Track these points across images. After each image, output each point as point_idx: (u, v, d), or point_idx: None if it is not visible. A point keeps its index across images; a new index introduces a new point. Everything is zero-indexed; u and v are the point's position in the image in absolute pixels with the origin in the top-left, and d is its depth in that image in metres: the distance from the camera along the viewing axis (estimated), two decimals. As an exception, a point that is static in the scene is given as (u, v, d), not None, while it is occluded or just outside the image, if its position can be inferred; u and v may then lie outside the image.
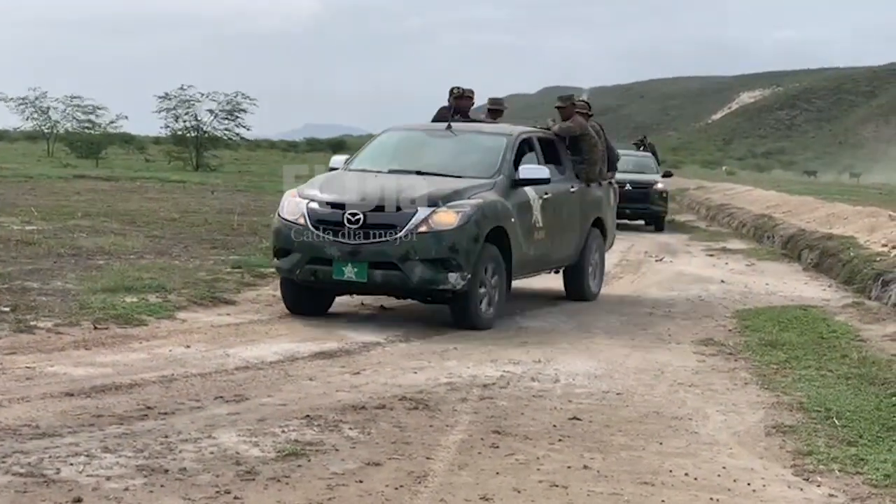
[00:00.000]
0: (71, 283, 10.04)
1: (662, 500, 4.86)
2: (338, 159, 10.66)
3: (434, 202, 8.98)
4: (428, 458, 5.29)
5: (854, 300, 12.00)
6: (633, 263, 15.88)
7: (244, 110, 43.18)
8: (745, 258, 17.22)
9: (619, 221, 22.61)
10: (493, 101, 12.42)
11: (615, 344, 8.90)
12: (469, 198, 9.16)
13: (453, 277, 8.82)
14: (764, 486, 5.17)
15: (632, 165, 24.53)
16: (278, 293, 9.79)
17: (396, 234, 8.81)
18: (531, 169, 10.02)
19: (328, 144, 76.80)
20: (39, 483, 4.60)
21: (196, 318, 8.94)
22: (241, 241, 14.53)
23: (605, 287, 12.99)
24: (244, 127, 43.61)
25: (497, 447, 5.57)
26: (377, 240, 8.85)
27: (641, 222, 23.74)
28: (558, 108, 11.69)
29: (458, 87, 11.92)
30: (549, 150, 11.00)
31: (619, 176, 22.99)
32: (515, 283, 10.79)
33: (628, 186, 22.51)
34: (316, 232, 9.02)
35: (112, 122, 49.16)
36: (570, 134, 11.39)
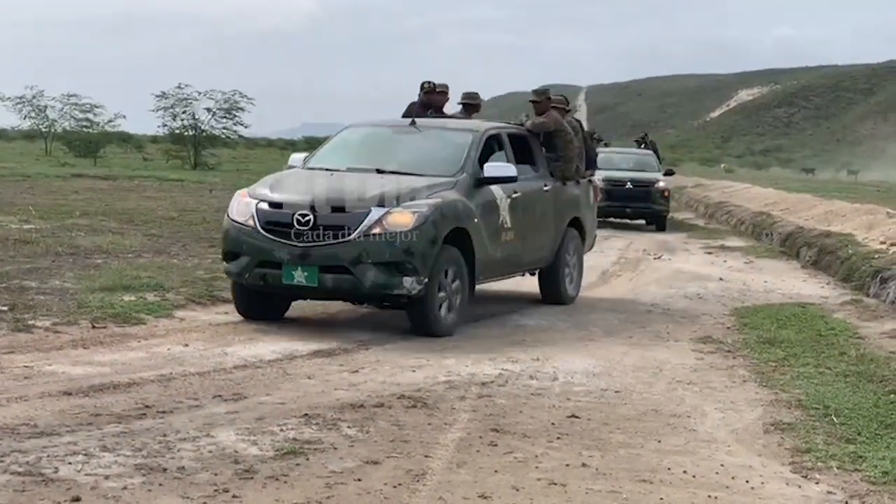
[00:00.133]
0: (69, 282, 10.04)
1: (661, 498, 4.86)
2: (297, 157, 10.21)
3: (388, 202, 8.53)
4: (426, 457, 5.29)
5: (852, 297, 12.01)
6: (631, 261, 15.88)
7: (242, 109, 43.18)
8: (743, 256, 17.23)
9: (619, 221, 22.68)
10: (466, 95, 11.79)
11: (613, 342, 8.91)
12: (427, 197, 8.69)
13: (408, 282, 8.36)
14: (762, 483, 5.17)
15: (633, 163, 24.37)
16: None
17: (348, 236, 8.36)
18: (496, 167, 9.53)
19: (327, 143, 76.59)
20: (38, 482, 4.60)
21: (194, 317, 8.93)
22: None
23: (603, 285, 13.02)
24: (242, 125, 43.62)
25: (495, 445, 5.57)
26: (328, 242, 8.39)
27: (642, 222, 23.45)
28: (532, 102, 11.15)
29: (429, 82, 11.61)
30: (521, 147, 10.51)
31: (619, 174, 23.21)
32: (513, 284, 10.82)
33: (629, 185, 22.50)
34: (265, 234, 8.57)
35: (110, 121, 49.10)
36: (544, 130, 10.87)
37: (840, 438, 5.92)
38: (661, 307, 11.09)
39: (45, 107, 50.22)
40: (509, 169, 9.57)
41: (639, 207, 22.75)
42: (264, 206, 8.72)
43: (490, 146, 9.97)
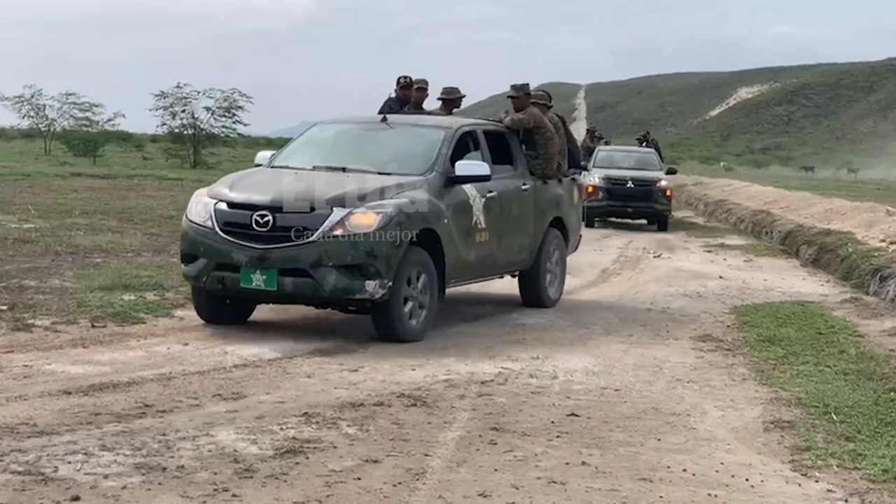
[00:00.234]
0: (68, 282, 10.04)
1: (660, 497, 4.86)
2: (263, 155, 9.83)
3: (351, 202, 8.16)
4: (426, 455, 5.29)
5: (852, 295, 12.01)
6: (631, 260, 15.87)
7: (241, 107, 43.20)
8: (743, 254, 17.22)
9: (621, 221, 22.52)
10: (445, 90, 11.28)
11: (613, 340, 8.90)
12: (392, 197, 8.33)
13: (371, 286, 7.98)
14: (762, 481, 5.17)
15: (634, 162, 23.84)
16: None
17: (309, 237, 7.99)
18: (468, 165, 9.12)
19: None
20: (37, 481, 4.60)
21: (194, 316, 8.92)
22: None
23: (603, 284, 13.02)
24: (241, 124, 43.63)
25: (495, 444, 5.57)
26: (287, 244, 8.01)
27: (644, 221, 22.86)
28: (511, 98, 10.67)
29: (405, 77, 11.23)
30: (499, 145, 10.11)
31: (620, 173, 22.89)
32: (513, 284, 10.79)
33: (630, 184, 22.00)
34: (223, 235, 8.20)
35: (109, 120, 49.14)
36: (523, 126, 10.39)
37: (840, 436, 5.92)
38: (661, 305, 11.09)
39: (44, 106, 50.25)
40: (482, 167, 9.19)
41: (640, 207, 22.19)
42: (223, 206, 8.35)
43: (464, 144, 9.64)
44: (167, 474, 4.78)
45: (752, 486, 5.09)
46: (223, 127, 43.59)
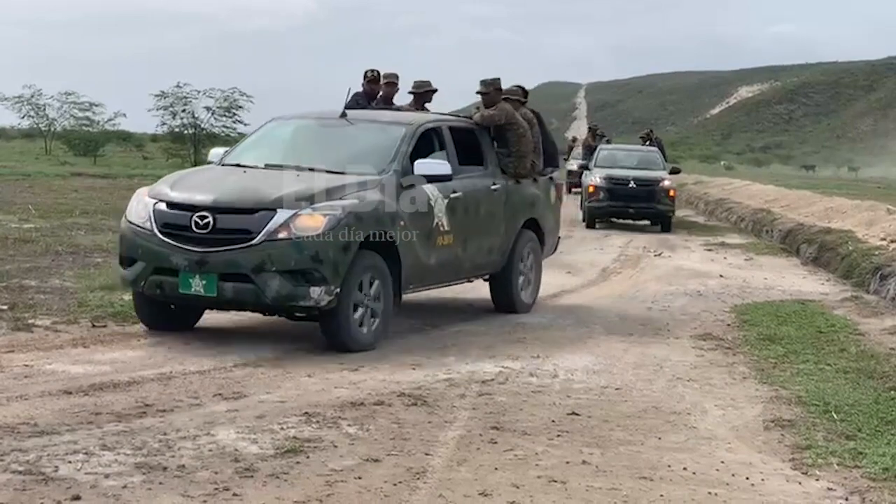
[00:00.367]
0: (69, 281, 10.04)
1: (661, 495, 4.86)
2: (216, 152, 9.38)
3: (297, 203, 7.67)
4: (427, 455, 5.29)
5: (852, 294, 12.01)
6: (631, 258, 15.87)
7: (241, 107, 43.27)
8: (743, 253, 17.23)
9: (622, 221, 22.33)
10: (416, 84, 10.71)
11: (613, 339, 8.90)
12: (342, 198, 7.85)
13: (316, 292, 7.51)
14: (762, 480, 5.17)
15: (637, 161, 23.14)
16: None
17: (251, 240, 7.51)
18: (428, 164, 8.64)
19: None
20: (38, 481, 4.60)
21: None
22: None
23: (603, 282, 13.02)
24: (241, 123, 43.67)
25: (496, 443, 5.57)
26: (228, 247, 7.55)
27: (647, 222, 22.10)
28: (480, 93, 10.10)
29: (372, 70, 10.72)
30: (468, 143, 9.62)
31: (622, 172, 22.38)
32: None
33: (632, 184, 21.36)
34: (161, 237, 7.75)
35: (110, 120, 49.23)
36: (493, 123, 9.88)
37: (840, 435, 5.93)
38: (662, 304, 11.09)
39: (44, 106, 50.31)
40: (443, 167, 8.74)
41: (642, 208, 21.48)
42: (162, 206, 7.89)
43: (428, 141, 9.16)
44: (168, 474, 4.78)
45: (753, 485, 5.09)
46: (223, 126, 43.66)
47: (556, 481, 4.97)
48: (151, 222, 7.86)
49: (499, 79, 10.13)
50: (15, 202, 18.50)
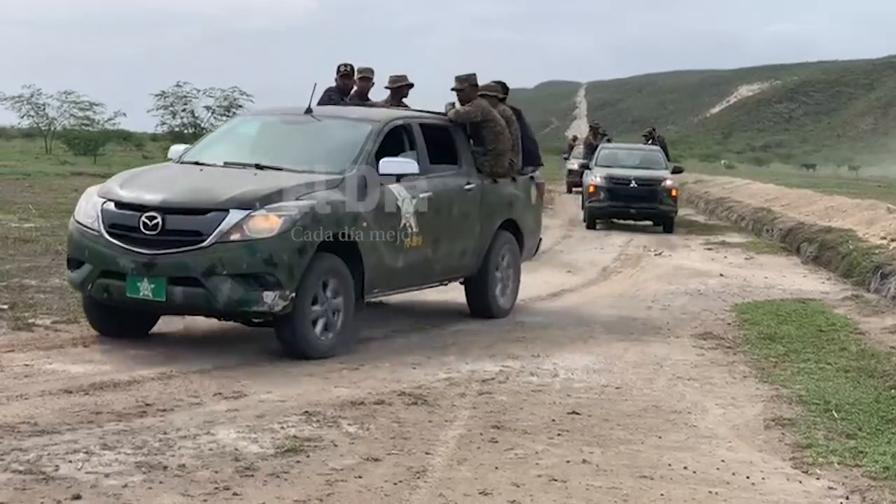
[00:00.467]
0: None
1: (661, 494, 4.86)
2: (176, 149, 8.98)
3: (250, 203, 7.27)
4: (427, 454, 5.29)
5: (853, 293, 12.01)
6: (631, 258, 15.87)
7: (241, 106, 43.21)
8: (743, 252, 17.23)
9: (623, 222, 22.16)
10: (392, 78, 10.37)
11: (613, 338, 8.90)
12: (299, 198, 7.46)
13: (270, 297, 7.14)
14: (763, 479, 5.17)
15: (639, 160, 22.64)
16: None
17: (201, 242, 7.14)
18: (394, 163, 8.25)
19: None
20: (38, 480, 4.60)
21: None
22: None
23: (604, 282, 13.02)
24: (242, 122, 43.58)
25: (496, 442, 5.57)
26: (177, 250, 7.17)
27: (649, 223, 21.68)
28: (455, 90, 9.70)
29: (346, 64, 10.35)
30: (441, 140, 9.25)
31: (623, 172, 21.84)
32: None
33: (633, 184, 20.83)
34: (109, 239, 7.37)
35: (110, 120, 49.22)
36: (468, 120, 9.50)
37: (841, 434, 5.92)
38: (662, 303, 11.08)
39: (44, 105, 50.31)
40: (410, 165, 8.38)
41: (643, 208, 20.96)
42: (110, 206, 7.52)
43: (397, 139, 8.75)
44: (168, 473, 4.78)
45: (753, 484, 5.09)
46: (224, 125, 43.61)
47: (556, 480, 4.97)
48: (99, 223, 7.48)
49: (474, 74, 9.79)
50: (15, 202, 18.50)
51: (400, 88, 10.32)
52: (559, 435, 5.78)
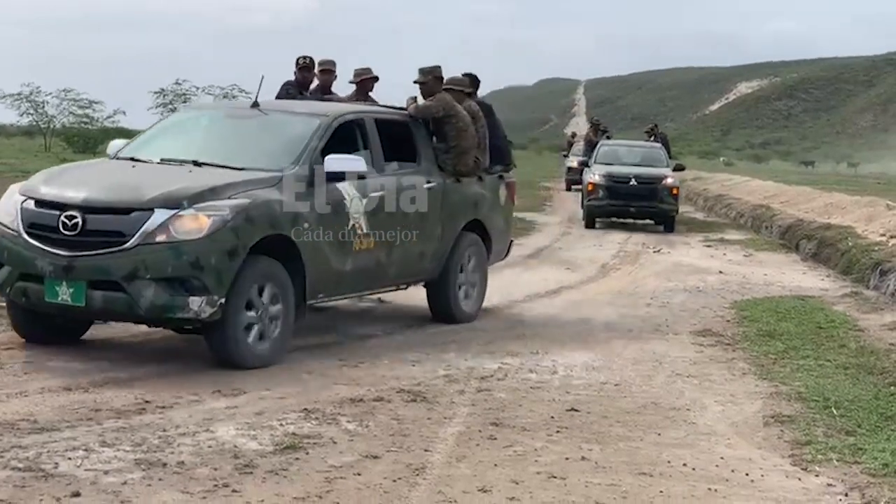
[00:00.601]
0: (68, 278, 10.01)
1: (661, 491, 4.86)
2: (116, 144, 8.54)
3: (177, 202, 6.78)
4: (426, 451, 5.29)
5: (852, 290, 12.01)
6: (630, 255, 15.87)
7: (241, 104, 43.22)
8: (742, 249, 17.23)
9: (623, 221, 21.97)
10: (357, 72, 9.87)
11: (613, 335, 8.90)
12: (232, 197, 6.98)
13: (196, 303, 6.64)
14: (762, 476, 5.17)
15: (639, 158, 22.03)
16: None
17: (123, 244, 6.66)
18: (339, 160, 7.72)
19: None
20: (38, 477, 4.60)
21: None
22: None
23: (603, 279, 13.01)
24: (241, 120, 43.62)
25: (495, 439, 5.57)
26: (98, 252, 6.69)
27: (650, 222, 21.10)
28: (418, 83, 9.23)
29: (304, 57, 9.85)
30: (400, 136, 8.80)
31: (623, 170, 21.35)
32: (513, 280, 10.78)
33: (633, 182, 20.30)
34: (28, 239, 6.89)
35: (109, 117, 49.23)
36: (429, 115, 9.00)
37: (840, 431, 5.93)
38: (661, 300, 11.09)
39: (43, 103, 50.31)
40: (357, 163, 7.85)
41: (643, 206, 20.35)
42: (30, 204, 7.05)
43: (349, 134, 8.26)
44: (167, 470, 4.78)
45: (752, 481, 5.09)
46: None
47: (555, 477, 4.97)
48: (18, 222, 7.00)
49: (439, 67, 9.30)
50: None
51: (364, 82, 9.83)
52: (558, 432, 5.78)
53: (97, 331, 7.97)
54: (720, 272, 13.74)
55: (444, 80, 9.28)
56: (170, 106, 43.09)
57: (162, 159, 7.86)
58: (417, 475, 4.90)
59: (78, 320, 7.46)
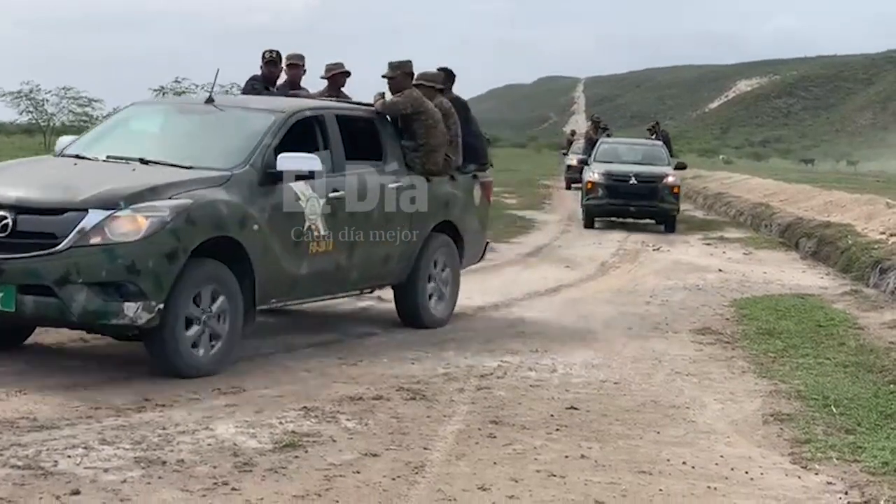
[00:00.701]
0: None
1: (660, 489, 4.86)
2: (64, 140, 8.16)
3: (113, 202, 6.41)
4: (425, 449, 5.29)
5: (852, 288, 12.01)
6: (630, 253, 15.87)
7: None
8: (742, 247, 17.23)
9: (624, 221, 21.86)
10: (328, 66, 9.51)
11: (612, 333, 8.90)
12: (173, 196, 6.59)
13: (132, 309, 6.27)
14: (762, 474, 5.17)
15: (640, 156, 21.65)
16: None
17: (55, 246, 6.28)
18: (293, 158, 7.32)
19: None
20: (37, 475, 4.60)
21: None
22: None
23: (602, 277, 13.01)
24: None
25: (494, 437, 5.57)
26: (28, 254, 6.29)
27: (651, 221, 20.70)
28: (386, 77, 8.84)
29: (270, 50, 9.52)
30: (364, 134, 8.44)
31: (623, 168, 20.99)
32: (512, 278, 10.78)
33: (633, 180, 19.87)
34: None
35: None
36: (396, 112, 8.65)
37: (840, 429, 5.93)
38: (660, 298, 11.08)
39: (43, 101, 50.29)
40: (311, 162, 7.42)
41: (644, 206, 19.90)
42: None
43: (308, 131, 7.91)
44: (167, 468, 4.78)
45: (752, 479, 5.09)
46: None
47: (554, 475, 4.97)
48: None
49: (409, 61, 8.93)
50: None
51: (335, 77, 9.46)
52: (558, 430, 5.78)
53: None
54: (720, 270, 13.75)
55: (416, 76, 8.96)
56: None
57: (108, 157, 7.49)
58: (417, 473, 4.90)
59: (12, 326, 7.03)
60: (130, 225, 6.38)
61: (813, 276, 13.49)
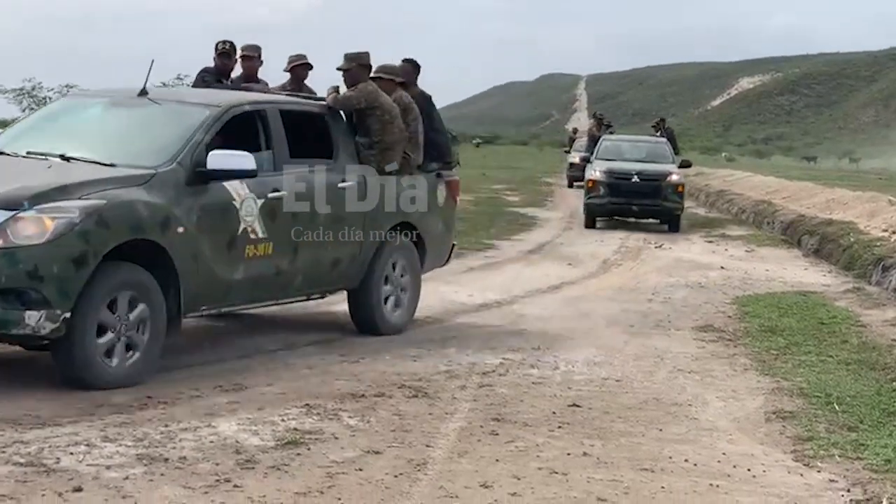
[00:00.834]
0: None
1: (662, 487, 4.86)
2: None
3: (16, 202, 5.93)
4: (427, 446, 5.29)
5: (854, 285, 12.01)
6: (632, 250, 15.86)
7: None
8: (744, 244, 17.22)
9: (624, 220, 21.68)
10: (290, 59, 9.15)
11: (614, 330, 8.90)
12: (83, 196, 6.10)
13: (34, 318, 5.80)
14: (764, 471, 5.17)
15: (643, 153, 21.10)
16: None
17: None
18: (224, 157, 6.81)
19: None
20: (40, 472, 4.60)
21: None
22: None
23: (604, 274, 13.01)
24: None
25: (496, 434, 5.57)
26: None
27: (654, 220, 20.12)
28: (341, 70, 8.34)
29: (224, 42, 9.00)
30: (313, 130, 7.99)
31: (625, 166, 20.52)
32: (512, 277, 10.77)
33: (636, 178, 19.32)
34: None
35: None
36: (349, 107, 8.17)
37: (842, 426, 5.93)
38: (662, 296, 11.08)
39: (45, 98, 50.29)
40: (244, 160, 6.90)
41: (646, 205, 19.28)
42: None
43: (248, 127, 7.47)
44: (169, 465, 4.78)
45: (754, 477, 5.09)
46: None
47: (556, 473, 4.97)
48: None
49: (366, 53, 8.42)
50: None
51: (296, 69, 9.05)
52: (560, 427, 5.78)
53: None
54: (722, 268, 13.74)
55: (374, 68, 8.46)
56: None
57: (28, 153, 7.05)
58: (419, 470, 4.90)
59: None
60: (35, 227, 5.90)
61: (815, 274, 13.48)
